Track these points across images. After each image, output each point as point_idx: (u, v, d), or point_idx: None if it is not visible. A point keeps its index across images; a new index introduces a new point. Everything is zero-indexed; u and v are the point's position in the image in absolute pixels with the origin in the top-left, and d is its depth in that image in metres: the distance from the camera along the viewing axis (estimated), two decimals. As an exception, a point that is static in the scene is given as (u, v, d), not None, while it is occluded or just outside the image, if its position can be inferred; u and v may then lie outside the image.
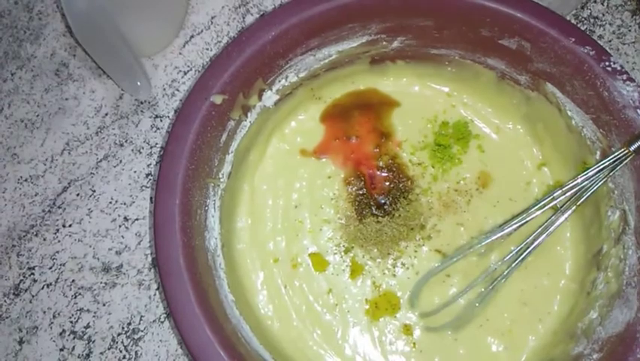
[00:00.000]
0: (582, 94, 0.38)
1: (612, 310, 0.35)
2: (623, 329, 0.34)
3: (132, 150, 0.47)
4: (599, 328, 0.35)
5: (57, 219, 0.45)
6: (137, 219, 0.45)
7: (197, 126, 0.36)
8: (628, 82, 0.36)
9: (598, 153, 0.38)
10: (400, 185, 0.43)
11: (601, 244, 0.38)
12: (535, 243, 0.37)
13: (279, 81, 0.41)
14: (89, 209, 0.45)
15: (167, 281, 0.33)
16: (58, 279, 0.43)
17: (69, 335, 0.42)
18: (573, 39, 0.37)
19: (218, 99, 0.37)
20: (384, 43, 0.42)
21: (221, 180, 0.40)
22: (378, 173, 0.43)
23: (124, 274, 0.43)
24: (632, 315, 0.34)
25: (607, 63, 0.36)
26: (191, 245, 0.35)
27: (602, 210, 0.38)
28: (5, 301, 0.43)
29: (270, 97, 0.41)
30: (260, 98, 0.41)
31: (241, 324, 0.36)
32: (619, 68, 0.36)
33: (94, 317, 0.42)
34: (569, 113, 0.39)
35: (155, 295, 0.43)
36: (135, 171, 0.46)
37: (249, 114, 0.41)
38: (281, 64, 0.40)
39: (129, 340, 0.42)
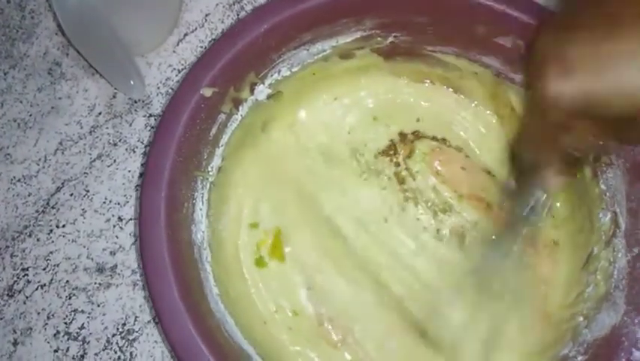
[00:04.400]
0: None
1: (599, 313, 0.35)
2: (609, 332, 0.33)
3: (126, 150, 0.46)
4: (585, 330, 0.35)
5: (51, 220, 0.45)
6: (131, 219, 0.44)
7: (186, 118, 0.35)
8: None
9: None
10: None
11: (591, 246, 0.38)
12: None
13: (272, 75, 0.41)
14: (83, 209, 0.45)
15: (150, 274, 0.33)
16: (52, 280, 0.43)
17: (63, 336, 0.42)
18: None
19: (208, 92, 0.37)
20: (378, 39, 0.42)
21: (210, 173, 0.39)
22: None
23: (118, 274, 0.43)
24: (619, 318, 0.33)
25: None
26: (177, 239, 0.34)
27: (593, 213, 0.38)
28: (-1, 302, 0.43)
29: (262, 91, 0.41)
30: (252, 91, 0.40)
31: (225, 318, 0.35)
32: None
33: (88, 317, 0.42)
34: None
35: (149, 295, 0.42)
36: (129, 171, 0.46)
37: (240, 108, 0.40)
38: (273, 58, 0.39)
39: (124, 341, 0.41)
